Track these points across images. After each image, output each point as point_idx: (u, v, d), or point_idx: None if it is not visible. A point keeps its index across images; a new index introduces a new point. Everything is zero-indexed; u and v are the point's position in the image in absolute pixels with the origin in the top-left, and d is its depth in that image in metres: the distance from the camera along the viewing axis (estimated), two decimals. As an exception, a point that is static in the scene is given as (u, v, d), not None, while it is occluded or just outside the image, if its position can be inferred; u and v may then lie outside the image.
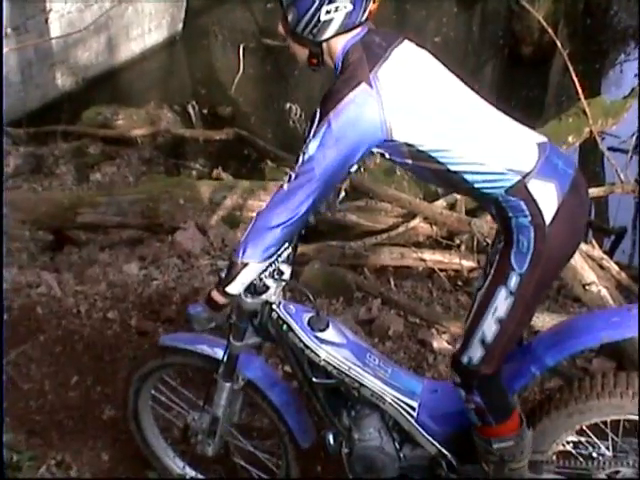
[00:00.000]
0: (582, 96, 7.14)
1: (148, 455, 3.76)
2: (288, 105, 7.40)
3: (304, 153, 2.68)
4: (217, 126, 9.42)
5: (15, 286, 5.06)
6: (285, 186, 2.71)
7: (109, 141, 8.85)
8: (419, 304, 5.29)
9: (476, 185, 2.79)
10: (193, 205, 6.17)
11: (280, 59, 9.96)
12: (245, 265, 2.79)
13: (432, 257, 5.87)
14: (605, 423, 3.10)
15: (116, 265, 5.54)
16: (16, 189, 7.53)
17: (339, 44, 2.76)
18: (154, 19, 11.18)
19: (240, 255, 2.79)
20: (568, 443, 3.17)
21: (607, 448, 3.16)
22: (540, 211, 2.75)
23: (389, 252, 5.94)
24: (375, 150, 2.78)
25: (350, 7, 2.69)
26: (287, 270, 3.05)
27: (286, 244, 2.90)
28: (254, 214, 2.81)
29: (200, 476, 3.74)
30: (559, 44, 7.66)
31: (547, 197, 2.76)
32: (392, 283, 5.63)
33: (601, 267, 5.46)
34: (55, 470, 3.83)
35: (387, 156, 2.82)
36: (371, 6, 2.75)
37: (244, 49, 9.84)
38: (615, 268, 5.60)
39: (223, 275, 2.86)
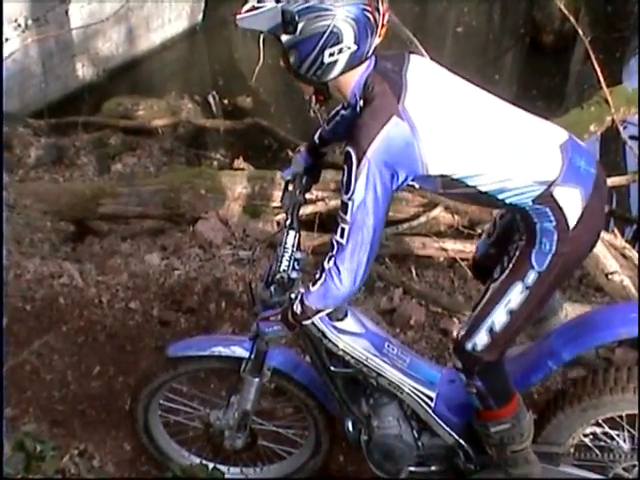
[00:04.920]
0: (604, 84, 7.08)
1: (164, 461, 3.79)
2: (308, 95, 7.36)
3: (352, 200, 2.61)
4: (238, 116, 9.39)
5: (37, 277, 5.10)
6: (343, 241, 2.66)
7: (130, 132, 8.84)
8: (441, 293, 5.29)
9: (506, 200, 2.80)
10: (214, 195, 6.16)
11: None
12: (320, 310, 2.84)
13: (454, 246, 5.86)
14: (622, 417, 3.10)
15: (138, 255, 5.56)
16: (38, 180, 7.57)
17: (350, 78, 2.71)
18: (174, 10, 11.17)
19: (315, 304, 2.81)
20: (586, 436, 3.18)
21: (624, 441, 3.16)
22: (565, 217, 2.78)
23: (410, 242, 5.93)
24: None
25: (354, 47, 2.61)
26: (302, 256, 3.06)
27: (292, 232, 3.00)
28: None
29: (220, 465, 3.76)
30: (580, 32, 7.58)
31: (572, 203, 2.78)
32: (414, 272, 5.63)
33: (623, 256, 5.44)
34: (78, 460, 3.85)
35: (417, 186, 2.82)
36: (376, 42, 2.67)
37: (264, 39, 9.81)
38: (637, 257, 5.57)
39: (297, 310, 2.84)
